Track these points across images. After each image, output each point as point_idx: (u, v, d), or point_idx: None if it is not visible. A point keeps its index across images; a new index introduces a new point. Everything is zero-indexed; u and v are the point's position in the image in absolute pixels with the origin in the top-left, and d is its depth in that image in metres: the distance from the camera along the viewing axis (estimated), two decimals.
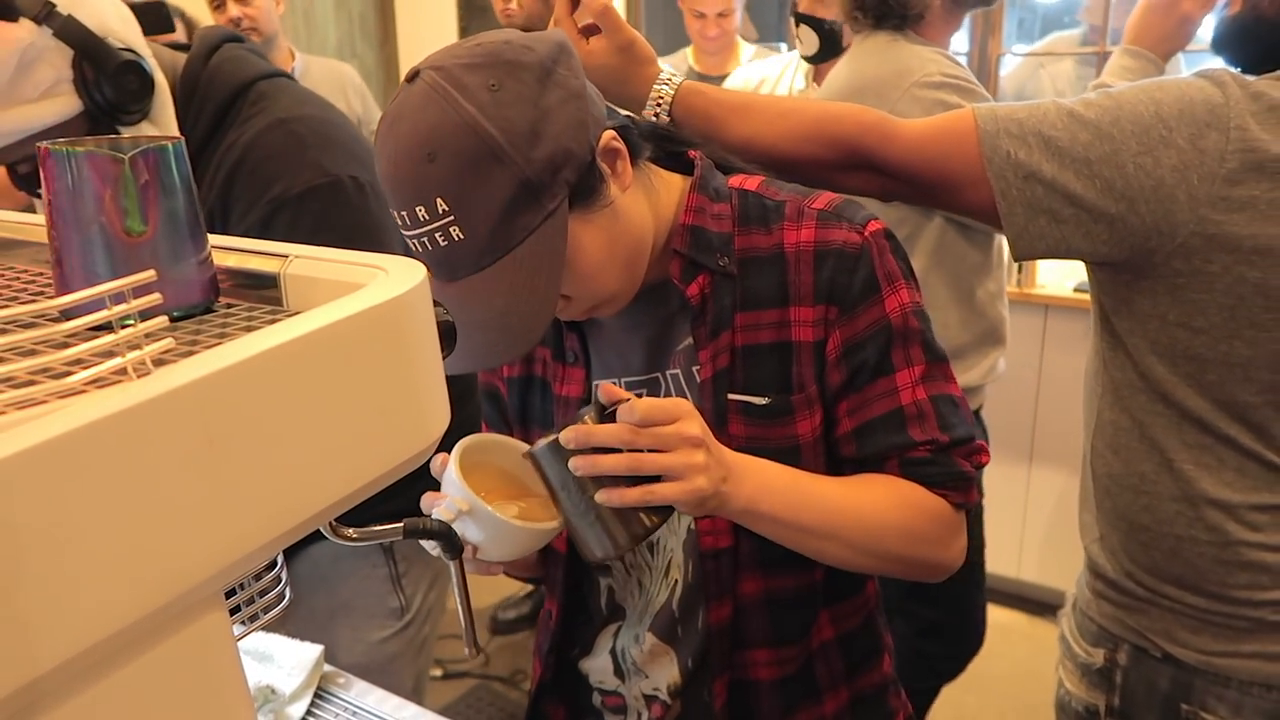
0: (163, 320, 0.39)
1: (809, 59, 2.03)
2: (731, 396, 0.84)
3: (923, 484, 0.84)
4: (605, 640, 0.95)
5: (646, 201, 0.85)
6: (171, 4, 2.56)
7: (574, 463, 0.72)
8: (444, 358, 0.55)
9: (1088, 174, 0.90)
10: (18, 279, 0.56)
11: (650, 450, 0.72)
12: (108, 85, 0.96)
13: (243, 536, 0.39)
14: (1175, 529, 1.00)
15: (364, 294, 0.45)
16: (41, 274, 0.56)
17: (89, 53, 0.95)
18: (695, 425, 0.73)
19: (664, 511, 0.75)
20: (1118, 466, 1.04)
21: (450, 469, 0.76)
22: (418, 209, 0.74)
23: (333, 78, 2.71)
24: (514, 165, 0.73)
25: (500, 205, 0.73)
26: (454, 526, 0.76)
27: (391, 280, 0.46)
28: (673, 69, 0.98)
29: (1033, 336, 2.54)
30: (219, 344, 0.42)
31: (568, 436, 0.73)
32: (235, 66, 1.12)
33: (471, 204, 0.73)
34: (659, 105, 0.97)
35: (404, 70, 3.04)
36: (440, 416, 0.49)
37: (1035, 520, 2.67)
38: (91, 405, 0.33)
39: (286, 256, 0.51)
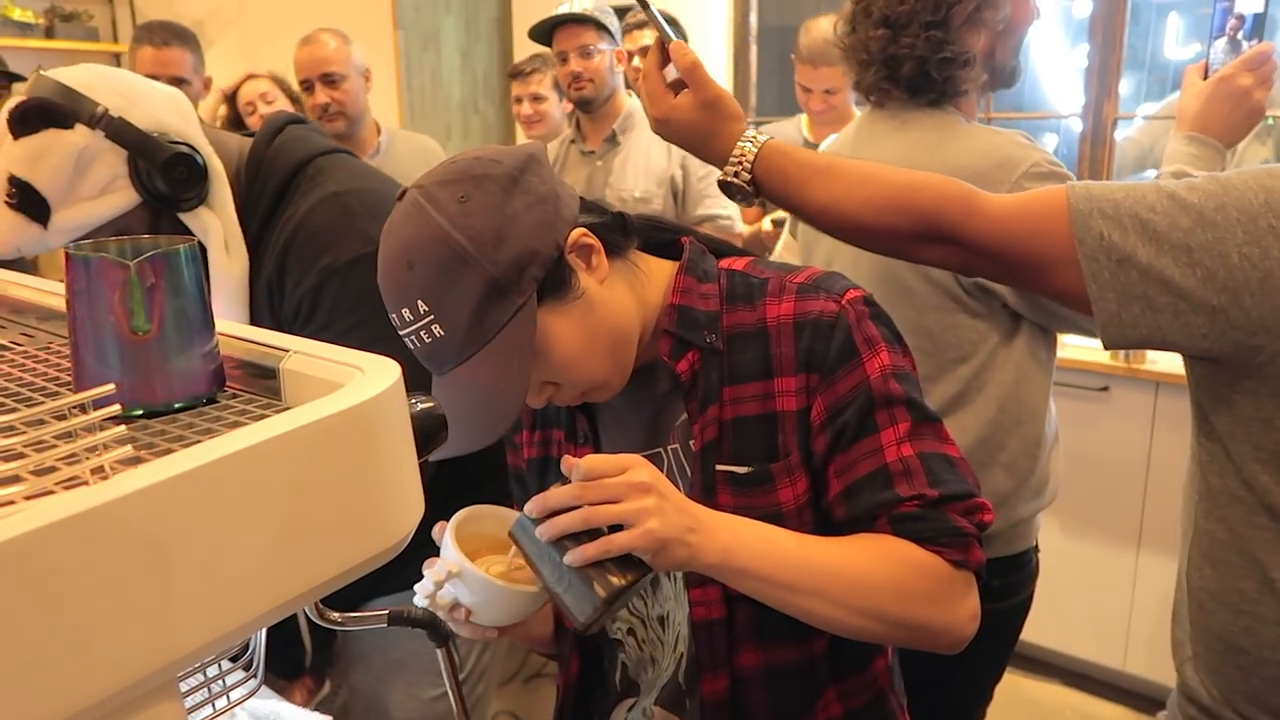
0: (120, 430, 0.42)
1: None
2: (719, 467, 0.86)
3: (914, 540, 0.82)
4: (619, 715, 0.97)
5: (630, 290, 0.89)
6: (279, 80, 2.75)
7: (538, 530, 0.75)
8: (437, 447, 0.58)
9: (1187, 261, 0.84)
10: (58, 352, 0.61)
11: (604, 503, 0.74)
12: (159, 178, 1.04)
13: (191, 632, 0.41)
14: (1278, 655, 0.92)
15: (337, 397, 0.47)
16: None
17: (140, 149, 1.03)
18: (643, 473, 0.76)
19: (633, 567, 0.75)
20: (1214, 581, 0.97)
21: (446, 535, 0.79)
22: (404, 311, 0.81)
23: (416, 149, 2.84)
24: (481, 267, 0.79)
25: (472, 303, 0.79)
26: (447, 589, 0.79)
27: (366, 381, 0.49)
28: (755, 131, 0.99)
29: (1142, 415, 2.42)
30: (201, 441, 0.45)
31: (530, 507, 0.76)
32: (295, 146, 1.19)
33: (447, 304, 0.79)
34: (740, 163, 0.98)
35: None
36: (411, 511, 0.51)
37: (1143, 610, 2.52)
38: (37, 512, 0.36)
39: (287, 351, 0.54)
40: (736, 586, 0.80)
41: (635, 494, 0.74)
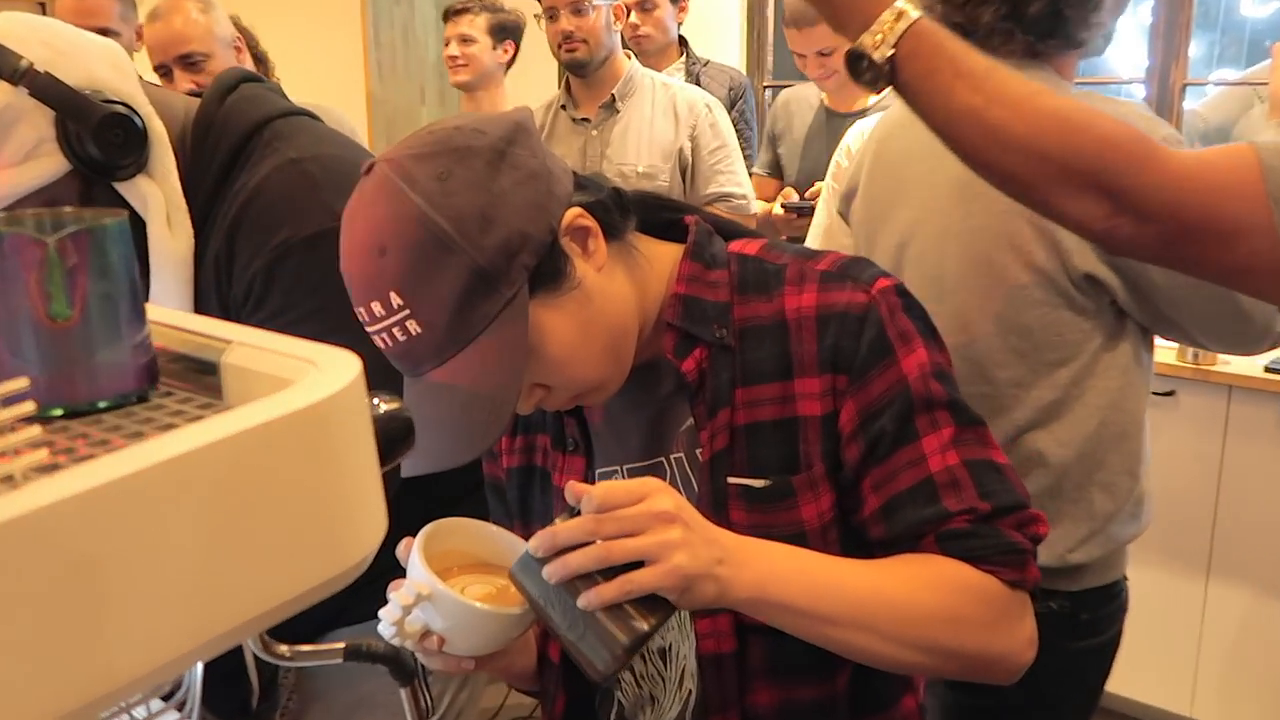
0: (35, 431, 0.41)
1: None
2: (731, 480, 0.86)
3: (965, 560, 0.82)
4: None
5: (629, 278, 0.88)
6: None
7: (546, 571, 0.74)
8: (401, 456, 0.57)
9: None
10: None
11: (621, 537, 0.74)
12: (91, 141, 1.03)
13: (114, 667, 0.40)
14: None
15: (286, 395, 0.46)
16: None
17: (69, 109, 1.02)
18: (665, 500, 0.75)
19: (658, 608, 0.75)
20: None
21: (413, 551, 0.79)
22: (373, 305, 0.80)
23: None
24: (465, 254, 0.78)
25: (455, 296, 0.78)
26: (416, 614, 0.78)
27: (320, 378, 0.48)
28: (910, 1, 0.91)
29: (1213, 423, 2.41)
30: (128, 445, 0.44)
31: (535, 545, 0.75)
32: (249, 106, 1.18)
33: (425, 297, 0.79)
34: (884, 34, 0.90)
35: None
36: (372, 528, 0.50)
37: (1212, 647, 2.52)
38: None
39: (229, 343, 0.53)
40: (768, 621, 0.80)
41: (658, 525, 0.74)
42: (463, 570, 0.85)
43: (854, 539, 0.87)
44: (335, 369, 0.49)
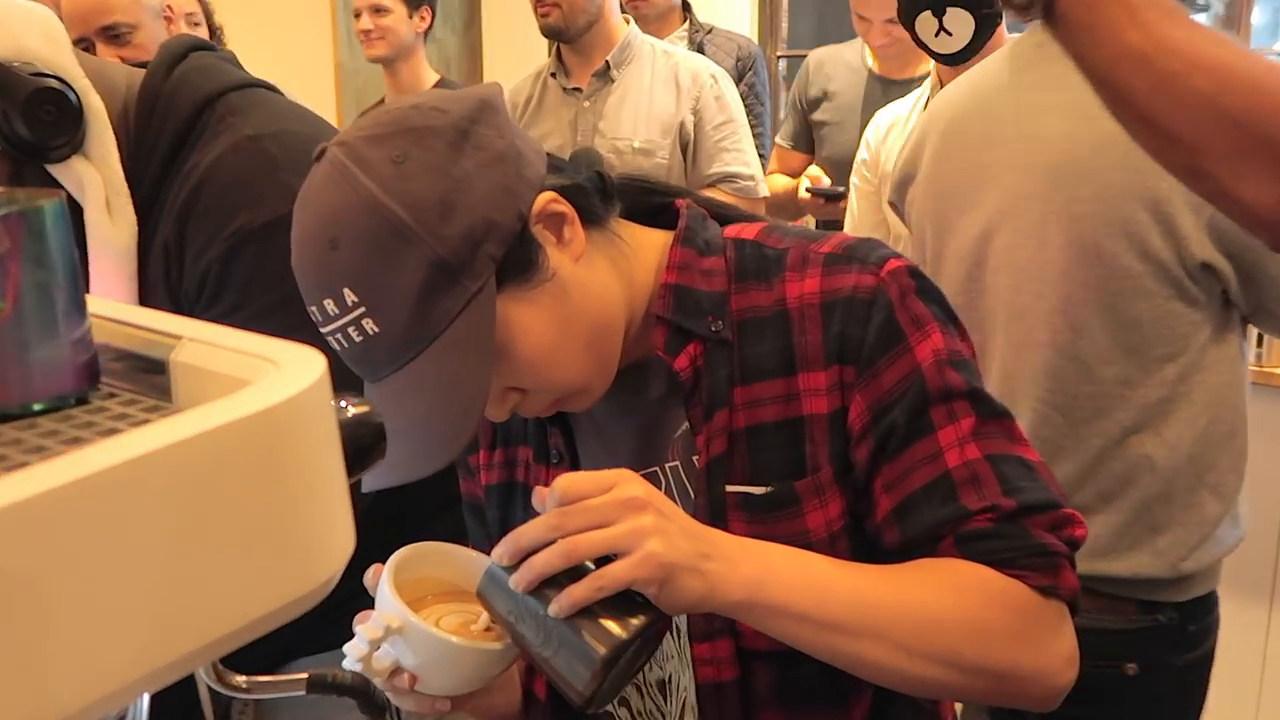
0: None
1: (947, 59, 2.00)
2: (730, 488, 0.87)
3: (989, 563, 0.82)
4: None
5: (612, 268, 0.89)
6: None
7: (513, 580, 0.75)
8: (371, 465, 0.57)
9: None
10: None
11: (589, 530, 0.74)
12: (20, 119, 1.02)
13: (51, 698, 0.40)
14: None
15: (243, 397, 0.46)
16: None
17: None
18: (633, 486, 0.76)
19: (638, 612, 0.75)
20: None
21: (383, 580, 0.79)
22: (325, 302, 0.81)
23: None
24: (424, 244, 0.79)
25: (414, 291, 0.79)
26: (385, 648, 0.78)
27: (281, 378, 0.48)
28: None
29: (1275, 431, 2.41)
30: (66, 452, 0.44)
31: (499, 553, 0.76)
32: (200, 78, 1.18)
33: (382, 292, 0.79)
34: None
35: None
36: (339, 545, 0.50)
37: (1278, 670, 2.53)
38: None
39: (179, 338, 0.53)
40: (768, 629, 0.79)
41: (626, 513, 0.74)
42: (438, 600, 0.85)
43: (867, 551, 0.87)
44: (297, 368, 0.48)
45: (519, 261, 0.83)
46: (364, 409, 0.57)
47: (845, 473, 0.87)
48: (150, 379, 0.54)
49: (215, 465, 0.44)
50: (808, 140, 2.95)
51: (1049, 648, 0.83)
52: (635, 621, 0.75)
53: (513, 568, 0.75)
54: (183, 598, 0.44)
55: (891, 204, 1.71)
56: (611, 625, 0.74)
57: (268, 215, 1.11)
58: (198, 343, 0.53)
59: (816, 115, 2.93)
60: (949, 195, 1.53)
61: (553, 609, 0.73)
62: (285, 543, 0.47)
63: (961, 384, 0.85)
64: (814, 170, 2.84)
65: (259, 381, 0.48)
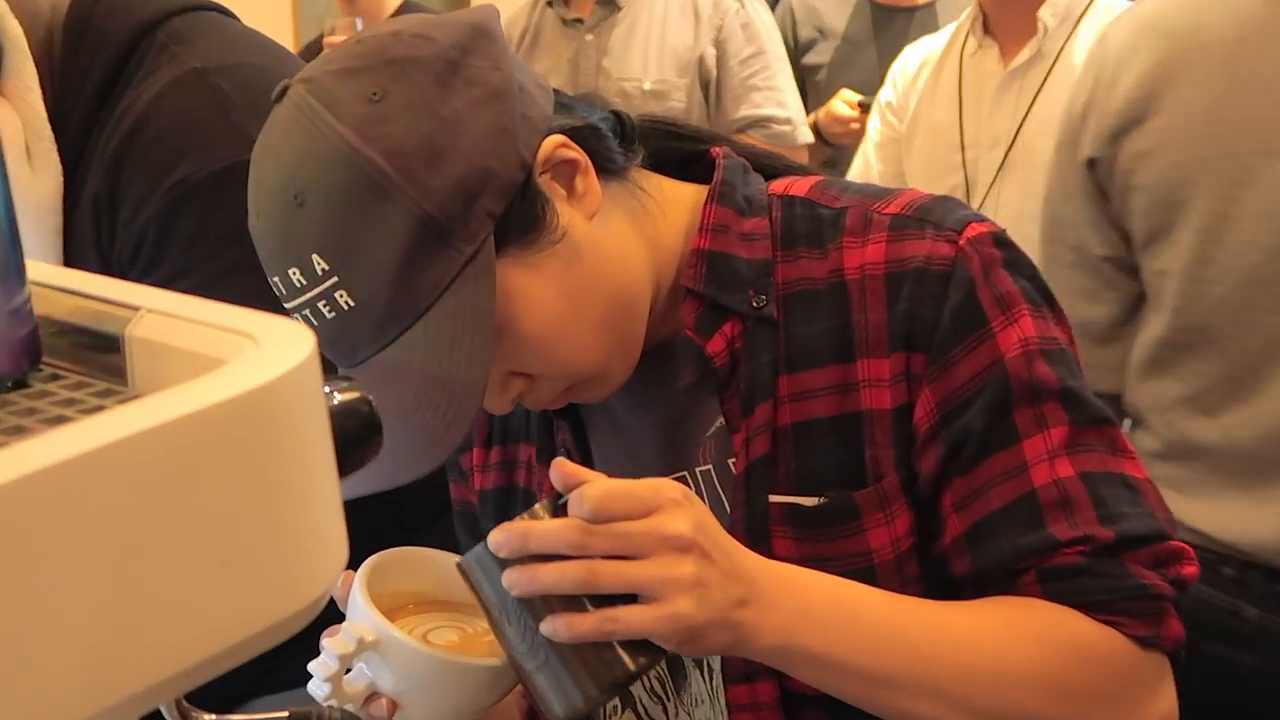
0: None
1: None
2: (774, 498, 0.86)
3: (1078, 607, 0.82)
4: None
5: (634, 228, 0.89)
6: None
7: (508, 577, 0.74)
8: (364, 462, 0.57)
9: None
10: None
11: (615, 557, 0.74)
12: None
13: None
14: None
15: (215, 380, 0.46)
16: None
17: None
18: (682, 521, 0.74)
19: (646, 650, 0.75)
20: None
21: (354, 588, 0.79)
22: (290, 271, 0.80)
23: None
24: (407, 199, 0.78)
25: (396, 256, 0.79)
26: (358, 668, 0.79)
27: (261, 357, 0.47)
28: None
29: None
30: (4, 444, 0.44)
31: (497, 540, 0.75)
32: (137, 0, 1.18)
33: (358, 259, 0.79)
34: None
35: None
36: (332, 557, 0.50)
37: None
38: None
39: (136, 309, 0.53)
40: (805, 679, 0.80)
41: (665, 554, 0.74)
42: (418, 610, 0.85)
43: (942, 576, 0.87)
44: (280, 344, 0.48)
45: (522, 219, 0.83)
46: (354, 395, 0.57)
47: (913, 482, 0.87)
48: (101, 358, 0.54)
49: (182, 461, 0.44)
50: (800, 91, 2.90)
51: (1145, 709, 0.83)
52: (641, 660, 0.75)
53: (509, 561, 0.75)
54: (142, 621, 0.44)
55: (1090, 161, 1.56)
56: (612, 660, 0.74)
57: (218, 164, 1.11)
58: (158, 314, 0.52)
59: (810, 58, 2.95)
60: (1242, 136, 1.43)
61: (546, 628, 0.74)
62: (266, 555, 0.47)
63: (1054, 381, 0.85)
64: (844, 91, 2.83)
65: (234, 360, 0.48)
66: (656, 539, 0.73)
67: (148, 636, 0.44)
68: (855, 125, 2.70)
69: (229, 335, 0.50)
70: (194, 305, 0.53)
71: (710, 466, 0.91)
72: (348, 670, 0.80)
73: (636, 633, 0.73)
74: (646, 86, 2.69)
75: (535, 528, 0.75)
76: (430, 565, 0.88)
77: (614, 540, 0.73)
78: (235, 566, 0.46)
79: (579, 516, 0.74)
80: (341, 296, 0.79)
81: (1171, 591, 0.84)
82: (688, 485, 0.91)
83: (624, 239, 0.88)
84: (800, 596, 0.78)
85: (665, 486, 0.77)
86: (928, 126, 2.35)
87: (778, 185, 0.94)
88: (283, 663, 0.73)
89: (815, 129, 2.82)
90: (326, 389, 0.57)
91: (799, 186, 0.93)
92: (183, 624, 0.45)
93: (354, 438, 0.56)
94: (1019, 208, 2.12)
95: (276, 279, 0.82)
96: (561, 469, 0.76)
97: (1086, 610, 0.82)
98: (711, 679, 0.91)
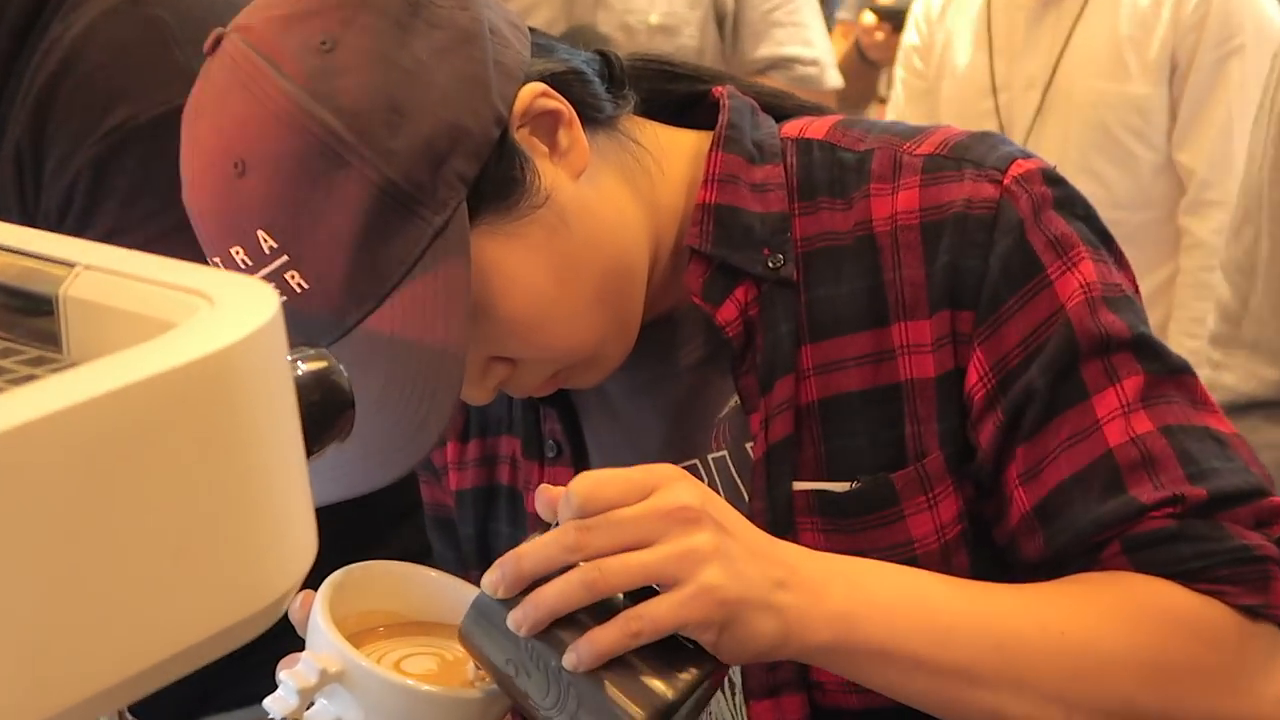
0: None
1: None
2: (799, 486, 0.86)
3: (1172, 576, 0.82)
4: None
5: (628, 186, 0.89)
6: None
7: (512, 619, 0.74)
8: (334, 440, 0.57)
9: None
10: None
11: (621, 551, 0.74)
12: None
13: None
14: None
15: (165, 345, 0.45)
16: None
17: None
18: (683, 491, 0.75)
19: (690, 662, 0.74)
20: None
21: (315, 610, 0.79)
22: (233, 250, 0.80)
23: None
24: (365, 164, 0.79)
25: (355, 230, 0.79)
26: (321, 703, 0.78)
27: (216, 319, 0.47)
28: None
29: None
30: None
31: (491, 581, 0.75)
32: None
33: (310, 234, 0.79)
34: None
35: None
36: (299, 549, 0.50)
37: None
38: None
39: (71, 266, 0.53)
40: (864, 679, 0.80)
41: (673, 528, 0.73)
42: (391, 634, 0.85)
43: (995, 569, 0.87)
44: (239, 304, 0.48)
45: (498, 182, 0.83)
46: (322, 364, 0.56)
47: (962, 460, 0.86)
48: (32, 322, 0.53)
49: (125, 438, 0.44)
50: None
51: (1257, 689, 0.83)
52: (684, 676, 0.74)
53: (511, 600, 0.75)
54: (81, 622, 0.44)
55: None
56: (651, 682, 0.74)
57: (158, 107, 1.11)
58: (97, 271, 0.52)
59: None
60: None
61: (569, 660, 0.73)
62: (223, 546, 0.47)
63: (1123, 329, 0.85)
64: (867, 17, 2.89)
65: (186, 323, 0.47)
66: (660, 516, 0.74)
67: (86, 640, 0.44)
68: (880, 35, 2.76)
69: (180, 294, 0.49)
70: (139, 261, 0.52)
71: (725, 453, 0.92)
72: (309, 705, 0.79)
73: (667, 625, 0.73)
74: (653, 20, 2.68)
75: (527, 547, 0.75)
76: (402, 581, 0.87)
77: (614, 530, 0.73)
78: (187, 559, 0.46)
79: (569, 516, 0.74)
80: (293, 278, 0.80)
81: (1278, 553, 0.84)
82: (699, 476, 0.91)
83: (616, 199, 0.88)
84: (854, 581, 0.79)
85: (659, 466, 0.78)
86: (954, 71, 2.37)
87: (791, 127, 0.94)
88: (236, 675, 0.73)
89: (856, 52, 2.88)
90: (290, 357, 0.57)
91: (816, 128, 0.93)
92: (127, 625, 0.45)
93: (323, 412, 0.56)
94: (1060, 156, 2.12)
95: (217, 259, 0.82)
96: (545, 495, 0.77)
97: (1182, 580, 0.82)
98: (732, 696, 0.91)
